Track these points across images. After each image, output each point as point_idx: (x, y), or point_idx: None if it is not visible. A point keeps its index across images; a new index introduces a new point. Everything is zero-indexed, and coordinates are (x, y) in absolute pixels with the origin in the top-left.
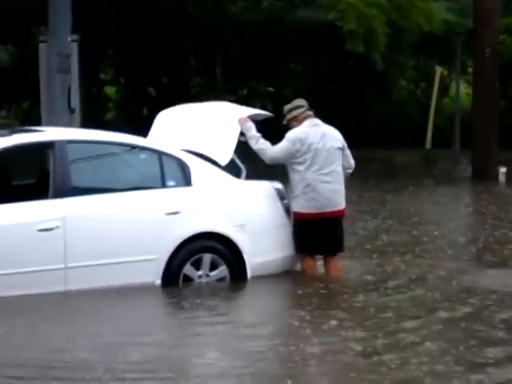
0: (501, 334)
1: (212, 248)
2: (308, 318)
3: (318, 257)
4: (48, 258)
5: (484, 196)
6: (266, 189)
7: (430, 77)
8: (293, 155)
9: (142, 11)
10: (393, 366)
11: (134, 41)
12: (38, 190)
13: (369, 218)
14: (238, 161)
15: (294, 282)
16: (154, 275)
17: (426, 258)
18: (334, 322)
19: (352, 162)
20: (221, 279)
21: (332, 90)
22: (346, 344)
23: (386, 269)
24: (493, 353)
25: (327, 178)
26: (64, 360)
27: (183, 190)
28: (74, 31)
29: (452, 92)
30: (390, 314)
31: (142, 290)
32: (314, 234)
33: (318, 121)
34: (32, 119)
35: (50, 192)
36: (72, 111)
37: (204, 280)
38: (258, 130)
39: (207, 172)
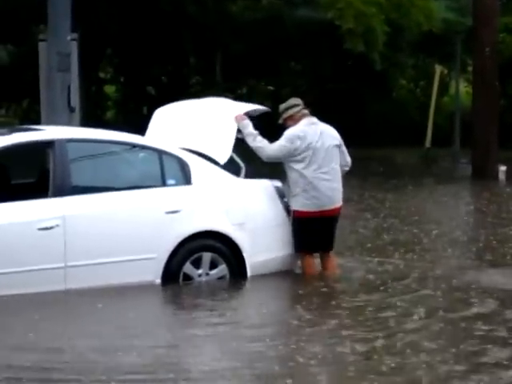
0: (502, 334)
1: (212, 247)
2: (308, 317)
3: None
4: (48, 256)
5: (484, 195)
6: (265, 187)
7: (430, 76)
8: (291, 154)
9: (141, 10)
10: (393, 365)
11: (134, 39)
12: (37, 189)
13: (369, 217)
14: (237, 158)
15: (293, 281)
16: (153, 274)
17: (426, 256)
18: (334, 322)
19: (348, 159)
20: (221, 278)
21: (332, 89)
22: (346, 344)
23: (386, 268)
24: (495, 353)
25: (327, 176)
26: (63, 361)
27: (183, 189)
28: (73, 30)
29: (452, 91)
30: (391, 314)
31: (142, 288)
32: (314, 232)
33: (314, 119)
34: (32, 118)
35: (50, 191)
36: (72, 110)
37: (204, 279)
38: (256, 128)
39: (207, 171)
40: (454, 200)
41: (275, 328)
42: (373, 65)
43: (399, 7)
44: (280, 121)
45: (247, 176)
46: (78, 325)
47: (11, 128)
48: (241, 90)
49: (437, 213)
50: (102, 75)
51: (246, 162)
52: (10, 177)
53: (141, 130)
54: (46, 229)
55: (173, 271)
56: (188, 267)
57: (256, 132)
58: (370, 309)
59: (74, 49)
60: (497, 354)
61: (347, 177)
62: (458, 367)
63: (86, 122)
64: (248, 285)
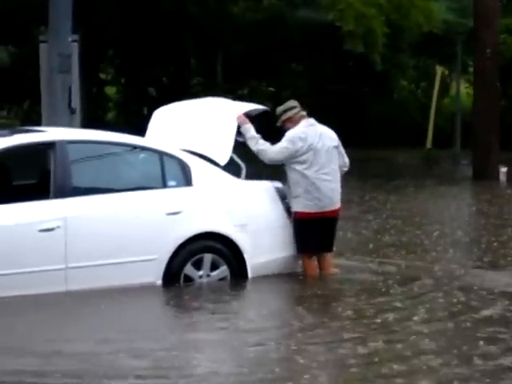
0: (504, 336)
1: (213, 248)
2: (309, 319)
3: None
4: (49, 258)
5: (485, 196)
6: (266, 188)
7: (431, 77)
8: (293, 155)
9: (142, 11)
10: (395, 367)
11: (135, 41)
12: (38, 191)
13: (370, 218)
14: (237, 159)
15: (295, 283)
16: (154, 275)
17: (428, 258)
18: (336, 324)
19: (347, 160)
20: (221, 279)
21: (333, 90)
22: (348, 347)
23: (388, 269)
24: (499, 356)
25: (328, 177)
26: (63, 364)
27: (184, 190)
28: (74, 31)
29: (453, 92)
30: (393, 316)
31: (143, 290)
32: (315, 233)
33: (313, 120)
34: (32, 119)
35: (51, 192)
36: (72, 111)
37: (205, 280)
38: (257, 131)
39: (208, 172)
40: (455, 201)
41: (276, 330)
42: (373, 66)
43: (399, 8)
44: (278, 123)
45: (248, 177)
46: (78, 327)
47: (12, 129)
48: (242, 91)
49: (438, 214)
50: (102, 76)
51: (246, 162)
52: (11, 178)
53: (142, 131)
54: (47, 230)
55: (174, 272)
56: (189, 268)
57: (258, 135)
58: (372, 311)
59: (74, 50)
60: (501, 356)
61: (348, 178)
62: (461, 370)
63: (86, 124)
64: (249, 286)
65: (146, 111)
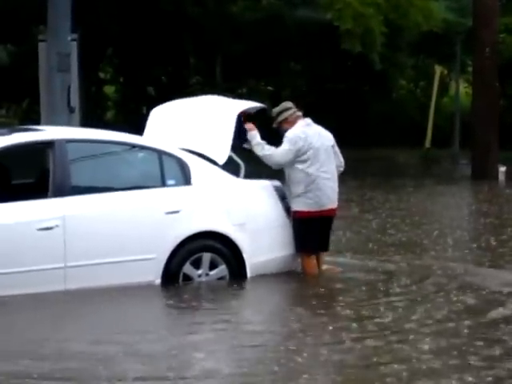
0: (499, 334)
1: (212, 247)
2: (309, 318)
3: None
4: (47, 257)
5: (484, 195)
6: (265, 188)
7: (430, 76)
8: (296, 155)
9: (141, 10)
10: (396, 366)
11: (134, 40)
12: (37, 189)
13: (370, 218)
14: (236, 157)
15: (294, 282)
16: (153, 274)
17: (427, 257)
18: (336, 324)
19: (342, 160)
20: (220, 278)
21: (332, 90)
22: (347, 346)
23: (388, 268)
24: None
25: (327, 175)
26: (62, 364)
27: (183, 189)
28: (73, 30)
29: (452, 91)
30: (392, 315)
31: (142, 289)
32: (315, 232)
33: (309, 120)
34: (31, 118)
35: (50, 191)
36: (71, 110)
37: (204, 279)
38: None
39: (207, 171)
40: (453, 201)
41: (276, 330)
42: (372, 65)
43: (397, 8)
44: (274, 125)
45: (247, 176)
46: (77, 327)
47: (11, 128)
48: (241, 90)
49: (436, 213)
50: (101, 75)
51: (245, 161)
52: (10, 177)
53: (141, 130)
54: (46, 229)
55: (173, 272)
56: (188, 268)
57: (263, 141)
58: (372, 311)
59: (73, 49)
60: (498, 356)
61: (347, 177)
62: (462, 371)
63: (85, 123)
64: (248, 285)
65: (144, 110)
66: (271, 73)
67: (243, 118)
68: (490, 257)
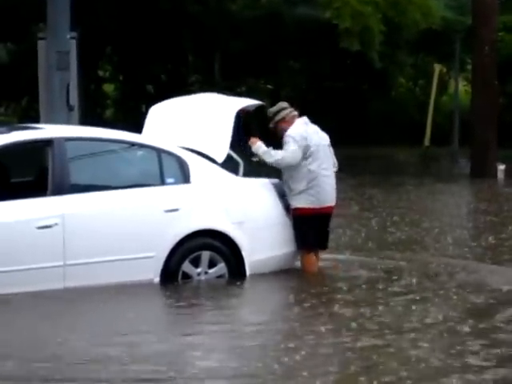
0: (502, 336)
1: (211, 245)
2: (308, 316)
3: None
4: (47, 255)
5: (482, 194)
6: (264, 186)
7: (429, 74)
8: (304, 152)
9: (140, 8)
10: (395, 365)
11: (133, 38)
12: (36, 188)
13: (370, 216)
14: (234, 155)
15: (293, 280)
16: (152, 272)
17: (427, 255)
18: (336, 322)
19: (336, 160)
20: (219, 276)
21: (331, 88)
22: (348, 345)
23: (388, 266)
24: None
25: (327, 173)
26: (62, 366)
27: (182, 188)
28: (72, 28)
29: (451, 89)
30: (393, 313)
31: (141, 287)
32: (316, 229)
33: (306, 119)
34: (30, 116)
35: (49, 189)
36: (71, 108)
37: (203, 277)
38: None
39: (206, 169)
40: (453, 199)
41: (276, 328)
42: (372, 63)
43: (396, 5)
44: (271, 125)
45: (246, 174)
46: (76, 325)
47: (10, 126)
48: (240, 88)
49: (436, 211)
50: (100, 74)
51: (244, 159)
52: (9, 175)
53: (140, 128)
54: (45, 227)
55: (172, 270)
56: (187, 266)
57: (269, 148)
58: (373, 310)
59: (73, 47)
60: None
61: (346, 175)
62: (461, 372)
63: (84, 121)
64: (247, 284)
65: (144, 108)
66: (270, 71)
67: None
68: (490, 255)
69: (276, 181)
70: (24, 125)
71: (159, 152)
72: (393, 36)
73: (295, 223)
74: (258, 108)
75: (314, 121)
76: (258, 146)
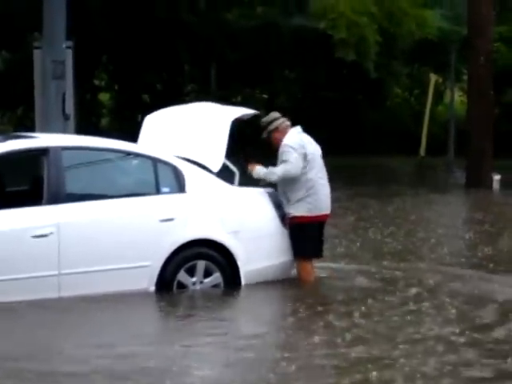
0: (499, 347)
1: (206, 255)
2: (304, 326)
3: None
4: (42, 264)
5: (477, 204)
6: (260, 195)
7: (425, 84)
8: (304, 159)
9: (136, 18)
10: (390, 373)
11: (129, 47)
12: (32, 197)
13: (366, 226)
14: (230, 164)
15: (288, 289)
16: (148, 282)
17: (422, 265)
18: (331, 332)
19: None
20: (215, 286)
21: (327, 98)
22: (342, 354)
23: (384, 276)
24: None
25: (323, 181)
26: (55, 370)
27: (177, 197)
28: (68, 38)
29: (446, 99)
30: (388, 323)
31: (136, 296)
32: (314, 237)
33: (300, 128)
34: (26, 125)
35: (44, 198)
36: (66, 117)
37: (198, 287)
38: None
39: (201, 179)
40: (448, 209)
41: (270, 337)
42: (368, 74)
43: (391, 16)
44: (265, 135)
45: (241, 183)
46: (69, 335)
47: (6, 135)
48: (235, 98)
49: (432, 222)
50: (96, 83)
51: (239, 169)
52: (5, 184)
53: (135, 137)
54: (41, 236)
55: (167, 279)
56: (182, 275)
57: (269, 168)
58: (368, 319)
59: (68, 56)
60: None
61: (341, 186)
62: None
63: (80, 130)
64: (242, 293)
65: (139, 118)
66: (266, 80)
67: (246, 161)
68: (486, 265)
69: (271, 190)
70: (19, 134)
71: (155, 161)
72: (388, 46)
73: (293, 232)
74: (254, 117)
75: (309, 130)
76: (258, 171)
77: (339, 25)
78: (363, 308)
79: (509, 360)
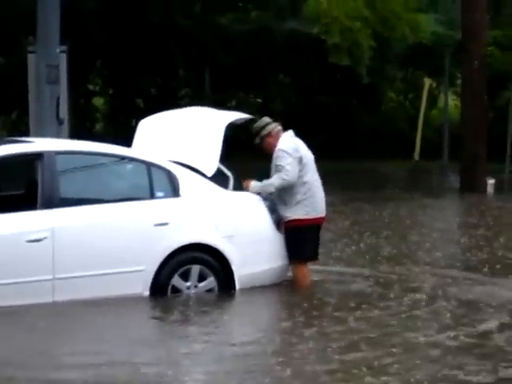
0: (494, 350)
1: (200, 259)
2: (299, 331)
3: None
4: (36, 268)
5: (472, 208)
6: (254, 199)
7: (419, 88)
8: (299, 163)
9: (130, 22)
10: (385, 379)
11: (123, 51)
12: (26, 201)
13: (361, 230)
14: (224, 169)
15: (283, 294)
16: (142, 286)
17: (416, 269)
18: (326, 336)
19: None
20: (209, 290)
21: (321, 102)
22: (337, 359)
23: (379, 280)
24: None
25: (318, 184)
26: (48, 378)
27: (172, 201)
28: (62, 42)
29: (440, 104)
30: (384, 328)
31: (130, 301)
32: (311, 240)
33: (292, 133)
34: (20, 130)
35: (39, 203)
36: (60, 122)
37: (192, 291)
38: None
39: (195, 183)
40: (443, 213)
41: (265, 342)
42: (360, 78)
43: (385, 21)
44: (257, 140)
45: (236, 188)
46: (63, 341)
47: (0, 140)
48: (230, 102)
49: (426, 226)
50: (90, 87)
51: (234, 173)
52: None
53: (130, 142)
54: (35, 241)
55: (161, 284)
56: (176, 280)
57: (264, 181)
58: (364, 324)
59: (63, 61)
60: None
61: (336, 190)
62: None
63: (74, 134)
64: (237, 298)
65: (133, 122)
66: (260, 85)
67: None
68: (481, 268)
69: (266, 194)
70: (14, 138)
71: (149, 166)
72: (382, 50)
73: (291, 235)
74: (248, 121)
75: (304, 135)
76: (254, 187)
77: (332, 30)
78: (358, 312)
79: (505, 364)
